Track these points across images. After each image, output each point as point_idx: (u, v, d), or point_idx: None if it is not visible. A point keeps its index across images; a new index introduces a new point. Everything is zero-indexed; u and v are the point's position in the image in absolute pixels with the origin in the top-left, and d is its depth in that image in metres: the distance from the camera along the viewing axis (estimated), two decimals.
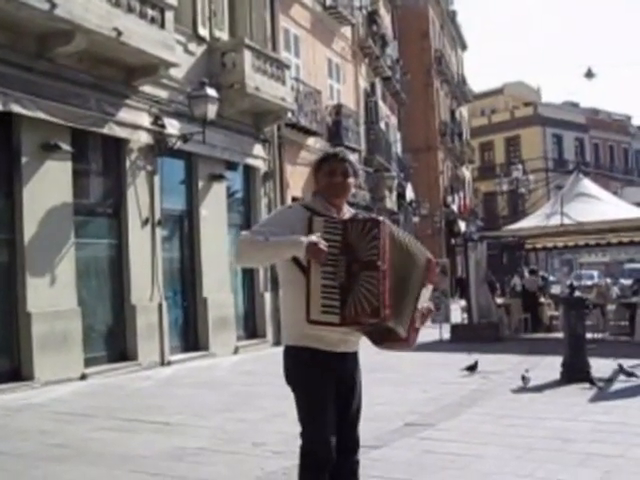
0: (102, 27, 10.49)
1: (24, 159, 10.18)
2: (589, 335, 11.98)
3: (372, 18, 25.59)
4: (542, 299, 18.59)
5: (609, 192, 20.53)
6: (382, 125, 26.98)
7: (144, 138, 12.31)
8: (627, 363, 10.00)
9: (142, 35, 11.29)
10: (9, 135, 10.14)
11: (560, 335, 12.17)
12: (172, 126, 12.87)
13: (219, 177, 14.40)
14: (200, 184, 13.99)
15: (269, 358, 12.45)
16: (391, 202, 27.68)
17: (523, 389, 9.01)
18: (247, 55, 14.42)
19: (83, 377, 10.63)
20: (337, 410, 3.44)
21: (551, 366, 10.17)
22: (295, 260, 3.33)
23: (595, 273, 37.21)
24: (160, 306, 12.50)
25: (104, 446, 6.42)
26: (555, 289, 24.10)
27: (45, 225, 10.37)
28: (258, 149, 15.89)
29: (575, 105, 63.91)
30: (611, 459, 5.63)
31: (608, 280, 25.11)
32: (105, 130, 11.35)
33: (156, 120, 12.60)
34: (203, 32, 14.26)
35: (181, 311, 13.67)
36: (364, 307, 3.19)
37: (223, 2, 15.00)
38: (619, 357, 10.72)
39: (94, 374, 10.83)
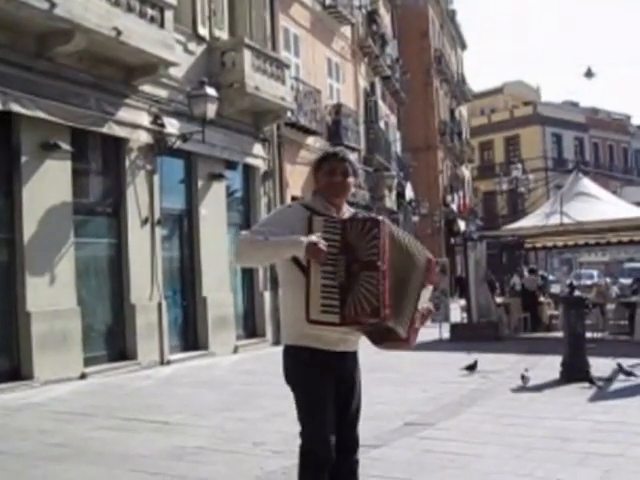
0: (102, 26, 10.49)
1: (24, 158, 10.18)
2: (589, 334, 11.98)
3: (372, 17, 25.59)
4: (542, 298, 18.59)
5: (608, 191, 20.53)
6: (382, 124, 26.98)
7: (144, 137, 12.31)
8: (626, 362, 10.01)
9: (142, 34, 11.29)
10: (9, 134, 10.14)
11: (560, 334, 12.18)
12: (172, 125, 12.87)
13: (219, 176, 14.41)
14: (200, 183, 13.99)
15: (268, 357, 12.45)
16: (391, 201, 27.69)
17: (523, 388, 9.01)
18: (247, 54, 14.42)
19: (83, 376, 10.63)
20: (337, 409, 3.44)
21: (551, 365, 10.17)
22: (295, 260, 3.33)
23: (595, 272, 37.22)
24: (160, 305, 12.50)
25: (104, 445, 6.43)
26: (555, 288, 24.09)
27: (45, 224, 10.37)
28: (258, 148, 15.89)
29: (575, 104, 63.89)
30: (611, 458, 5.64)
31: (608, 279, 25.13)
32: (105, 129, 11.35)
33: (156, 119, 12.60)
34: (203, 31, 14.26)
35: (181, 310, 13.67)
36: (364, 307, 3.19)
37: (223, 1, 14.99)
38: (618, 356, 10.73)
39: (94, 373, 10.83)
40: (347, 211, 3.60)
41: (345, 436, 3.47)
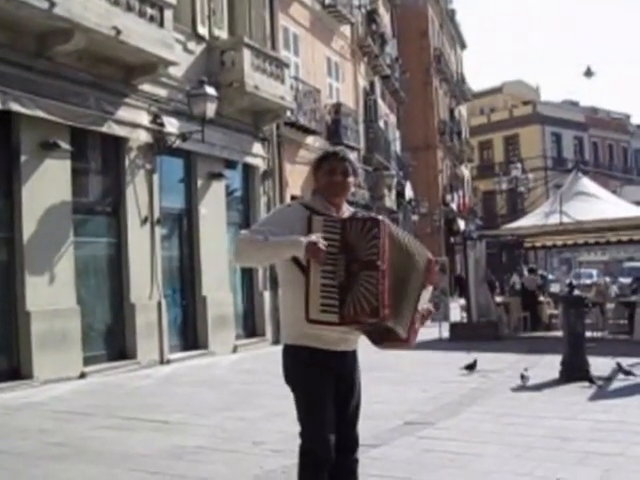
0: (101, 26, 10.48)
1: (23, 158, 10.18)
2: (588, 334, 11.98)
3: (371, 17, 25.59)
4: (541, 298, 18.59)
5: (608, 191, 20.53)
6: (381, 124, 26.98)
7: (143, 137, 12.31)
8: (626, 362, 10.01)
9: (141, 34, 11.29)
10: (8, 134, 10.14)
11: (559, 334, 12.18)
12: (171, 125, 12.87)
13: (218, 176, 14.40)
14: (199, 183, 13.98)
15: (268, 357, 12.44)
16: (390, 201, 27.69)
17: (522, 388, 9.01)
18: (246, 54, 14.41)
19: (82, 376, 10.62)
20: (336, 409, 3.43)
21: (550, 365, 10.17)
22: (295, 259, 3.33)
23: (594, 272, 37.23)
24: (159, 305, 12.50)
25: (103, 445, 6.42)
26: (554, 288, 24.10)
27: (44, 224, 10.37)
28: (257, 148, 15.89)
29: (574, 104, 63.87)
30: (610, 457, 5.64)
31: (607, 279, 25.16)
32: (104, 129, 11.35)
33: (155, 119, 12.60)
34: (202, 31, 14.25)
35: (180, 310, 13.67)
36: (363, 307, 3.19)
37: (222, 1, 14.99)
38: (618, 356, 10.73)
39: (93, 373, 10.83)
40: (347, 210, 3.59)
41: (345, 435, 3.47)
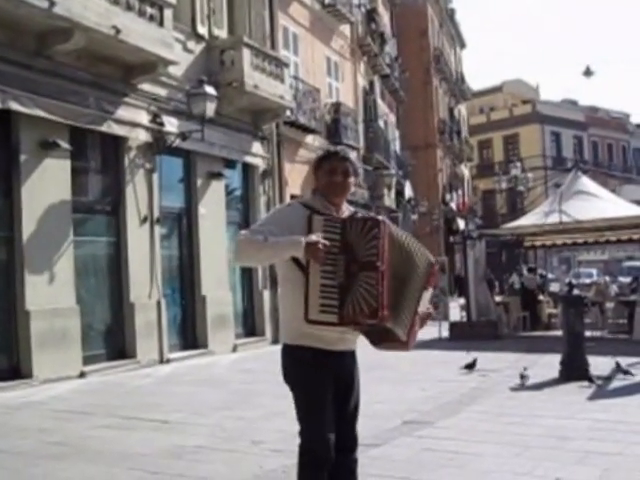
0: (101, 25, 10.48)
1: (23, 157, 10.17)
2: (588, 333, 11.98)
3: (371, 16, 25.59)
4: (541, 297, 18.59)
5: (607, 190, 20.53)
6: (381, 123, 26.97)
7: (143, 136, 12.31)
8: (625, 361, 10.02)
9: (141, 33, 11.28)
10: (8, 133, 10.14)
11: (559, 333, 12.17)
12: (171, 124, 12.87)
13: (218, 175, 14.40)
14: (199, 182, 13.98)
15: (268, 356, 12.42)
16: (390, 200, 27.70)
17: (522, 387, 9.01)
18: (246, 53, 14.41)
19: (82, 375, 10.62)
20: (335, 408, 3.43)
21: (550, 364, 10.18)
22: (294, 259, 3.32)
23: (594, 271, 37.25)
24: (159, 304, 12.50)
25: (103, 444, 6.42)
26: (554, 287, 24.09)
27: (44, 223, 10.36)
28: (257, 147, 15.89)
29: (574, 103, 63.86)
30: (610, 457, 5.64)
31: (607, 278, 25.17)
32: (104, 128, 11.35)
33: (155, 118, 12.59)
34: (202, 30, 14.25)
35: (180, 309, 13.67)
36: (362, 308, 3.19)
37: (222, 0, 14.99)
38: (618, 355, 10.73)
39: (93, 372, 10.82)
40: (346, 210, 3.59)
41: (344, 435, 3.47)
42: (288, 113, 16.62)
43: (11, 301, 10.04)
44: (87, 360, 10.91)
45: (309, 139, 18.74)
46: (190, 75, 13.57)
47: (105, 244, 11.98)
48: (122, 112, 11.80)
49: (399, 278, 3.34)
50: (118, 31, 10.74)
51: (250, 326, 15.72)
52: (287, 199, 16.14)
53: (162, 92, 12.99)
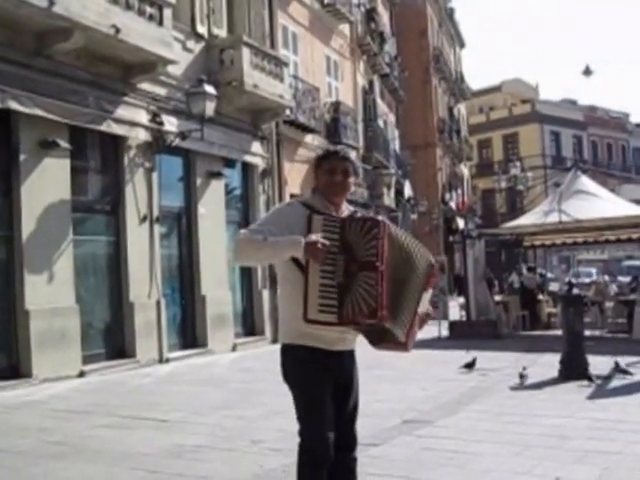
0: (100, 24, 10.47)
1: (22, 156, 10.17)
2: (587, 332, 11.97)
3: (370, 15, 25.58)
4: (540, 296, 18.60)
5: (607, 189, 20.54)
6: (380, 122, 26.97)
7: (142, 135, 12.30)
8: (625, 360, 10.03)
9: (140, 32, 11.28)
10: (7, 132, 10.13)
11: (558, 332, 12.19)
12: (170, 123, 12.86)
13: (217, 174, 14.40)
14: (198, 181, 13.98)
15: (267, 355, 12.41)
16: (389, 199, 27.69)
17: (521, 386, 9.01)
18: (245, 52, 14.41)
19: (81, 374, 10.62)
20: (335, 407, 3.44)
21: (549, 363, 10.18)
22: (294, 259, 3.32)
23: (593, 270, 37.26)
24: (158, 303, 12.50)
25: (103, 443, 6.42)
26: (553, 286, 24.11)
27: (43, 222, 10.36)
28: (256, 146, 15.88)
29: (573, 102, 63.88)
30: (609, 456, 5.65)
31: (606, 277, 25.17)
32: (103, 127, 11.35)
33: (154, 117, 12.59)
34: (201, 29, 14.24)
35: (179, 308, 13.66)
36: (362, 308, 3.19)
37: None
38: (617, 354, 10.74)
39: (92, 371, 10.82)
40: (346, 209, 3.59)
41: (343, 434, 3.48)
42: (287, 112, 16.61)
43: (10, 300, 10.04)
44: (87, 359, 10.91)
45: (309, 138, 18.74)
46: (189, 74, 13.57)
47: (105, 243, 11.97)
48: (121, 111, 11.80)
49: (399, 279, 3.33)
50: (117, 30, 10.73)
51: (250, 325, 15.72)
52: (287, 198, 16.13)
53: (161, 91, 12.99)
